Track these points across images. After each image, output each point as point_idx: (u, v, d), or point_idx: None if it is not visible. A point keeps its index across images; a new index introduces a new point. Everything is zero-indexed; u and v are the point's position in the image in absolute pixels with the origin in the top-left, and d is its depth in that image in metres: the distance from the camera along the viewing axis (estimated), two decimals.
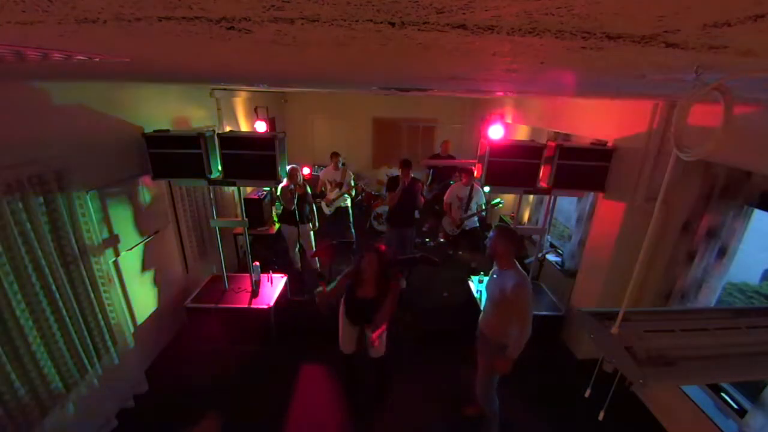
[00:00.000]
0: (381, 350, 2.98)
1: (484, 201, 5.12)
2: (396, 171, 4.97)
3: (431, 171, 6.78)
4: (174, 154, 3.10)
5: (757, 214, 2.54)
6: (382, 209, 6.26)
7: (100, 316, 2.70)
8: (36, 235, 2.21)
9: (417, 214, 4.86)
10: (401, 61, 1.01)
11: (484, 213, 5.25)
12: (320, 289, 2.76)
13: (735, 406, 2.57)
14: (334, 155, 5.66)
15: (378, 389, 3.25)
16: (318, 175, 6.09)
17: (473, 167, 4.34)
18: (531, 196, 5.29)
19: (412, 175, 4.48)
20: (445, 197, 5.20)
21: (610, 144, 3.29)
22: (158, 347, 3.72)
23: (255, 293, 3.88)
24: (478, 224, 5.26)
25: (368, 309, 2.77)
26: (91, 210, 2.63)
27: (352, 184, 5.79)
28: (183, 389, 3.26)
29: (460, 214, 4.96)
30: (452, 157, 6.44)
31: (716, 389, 2.72)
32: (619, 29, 0.49)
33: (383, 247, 2.77)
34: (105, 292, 2.75)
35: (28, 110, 2.27)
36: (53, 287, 2.32)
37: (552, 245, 5.05)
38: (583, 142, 3.48)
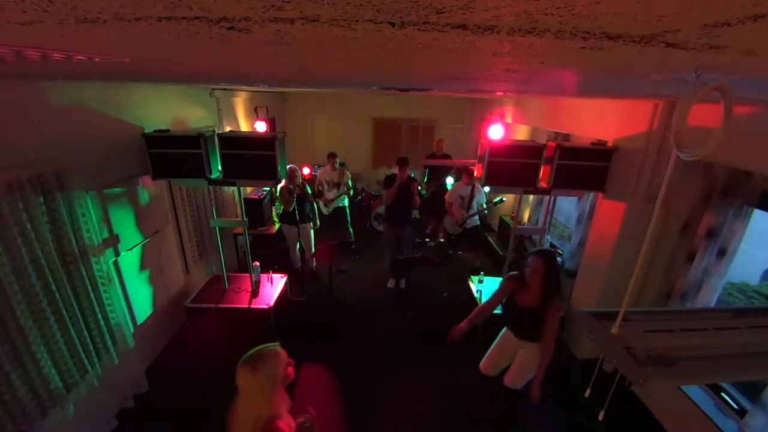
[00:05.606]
0: (518, 383, 2.67)
1: (485, 200, 5.13)
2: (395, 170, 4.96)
3: (427, 170, 6.84)
4: (174, 154, 3.10)
5: (757, 214, 2.54)
6: (382, 209, 6.28)
7: (100, 316, 2.70)
8: (36, 235, 2.21)
9: (417, 214, 4.86)
10: (401, 61, 1.01)
11: (485, 211, 5.25)
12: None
13: (735, 406, 2.57)
14: (331, 156, 5.66)
15: (504, 420, 2.97)
16: (316, 175, 6.11)
17: (473, 167, 4.34)
18: (531, 196, 5.29)
19: (410, 174, 4.48)
20: (446, 196, 5.21)
21: (610, 144, 3.29)
22: (158, 347, 3.72)
23: (255, 293, 3.88)
24: (479, 223, 5.27)
25: (529, 319, 2.45)
26: (91, 210, 2.63)
27: (350, 184, 5.80)
28: (183, 389, 3.26)
29: (462, 213, 4.97)
30: (448, 157, 6.50)
31: (716, 389, 2.72)
32: (619, 29, 0.49)
33: (553, 253, 2.50)
34: (105, 292, 2.75)
35: (28, 110, 2.26)
36: (53, 287, 2.32)
37: (552, 245, 5.06)
38: (583, 142, 3.48)
